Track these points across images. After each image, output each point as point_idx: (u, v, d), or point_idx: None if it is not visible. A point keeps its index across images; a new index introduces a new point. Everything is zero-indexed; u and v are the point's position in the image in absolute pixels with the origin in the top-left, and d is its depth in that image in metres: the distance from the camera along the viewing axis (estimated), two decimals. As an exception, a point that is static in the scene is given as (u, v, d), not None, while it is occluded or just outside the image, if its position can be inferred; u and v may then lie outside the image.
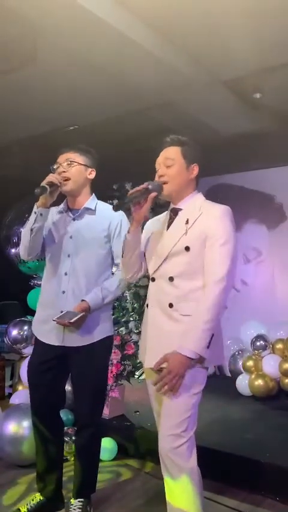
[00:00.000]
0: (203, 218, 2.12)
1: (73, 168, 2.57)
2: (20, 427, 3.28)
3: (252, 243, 5.88)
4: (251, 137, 5.12)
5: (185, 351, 1.98)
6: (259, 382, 4.56)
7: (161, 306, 2.14)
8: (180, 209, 2.21)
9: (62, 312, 2.52)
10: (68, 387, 2.74)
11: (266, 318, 5.18)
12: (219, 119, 4.87)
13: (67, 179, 2.56)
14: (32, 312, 3.77)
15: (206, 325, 1.99)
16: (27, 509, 2.61)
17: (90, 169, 2.63)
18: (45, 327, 2.60)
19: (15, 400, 3.83)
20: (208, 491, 2.60)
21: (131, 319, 5.67)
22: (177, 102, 4.50)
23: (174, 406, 2.03)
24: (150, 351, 2.14)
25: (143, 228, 2.32)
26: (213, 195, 6.11)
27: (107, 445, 3.41)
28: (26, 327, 3.97)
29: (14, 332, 3.98)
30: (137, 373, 5.40)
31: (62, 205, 2.69)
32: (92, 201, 2.67)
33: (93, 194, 2.70)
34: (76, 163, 2.58)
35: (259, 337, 4.84)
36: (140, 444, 3.56)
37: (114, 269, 2.71)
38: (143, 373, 5.47)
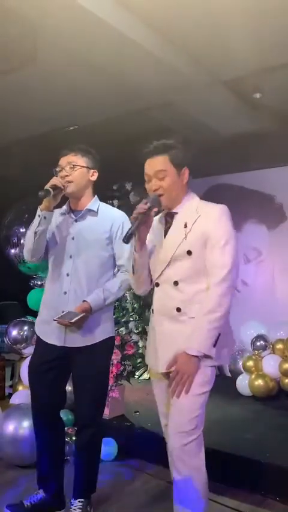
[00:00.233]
0: (202, 220, 2.12)
1: (76, 171, 2.57)
2: (20, 427, 3.28)
3: (252, 243, 5.87)
4: (251, 137, 5.13)
5: (191, 351, 2.03)
6: (259, 382, 4.56)
7: (168, 310, 2.15)
8: (176, 213, 2.20)
9: (63, 312, 2.52)
10: (68, 387, 2.73)
11: (266, 318, 5.18)
12: (219, 119, 4.87)
13: (70, 182, 2.56)
14: (32, 312, 3.77)
15: (211, 325, 2.02)
16: (30, 503, 2.62)
17: (92, 171, 2.63)
18: (48, 327, 2.61)
19: (15, 400, 3.83)
20: (208, 492, 2.60)
21: (131, 319, 5.69)
22: (177, 102, 4.50)
23: (185, 404, 2.05)
24: (162, 356, 2.15)
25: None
26: (213, 195, 6.14)
27: (107, 445, 3.41)
28: (26, 327, 3.96)
29: (14, 332, 3.97)
30: (137, 373, 5.42)
31: (64, 207, 2.69)
32: (94, 203, 2.67)
33: (96, 196, 2.71)
34: (79, 167, 2.58)
35: (259, 337, 4.84)
36: (140, 444, 3.56)
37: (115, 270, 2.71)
38: (143, 373, 5.50)
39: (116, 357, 3.76)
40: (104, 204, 2.73)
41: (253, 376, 4.63)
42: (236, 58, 3.70)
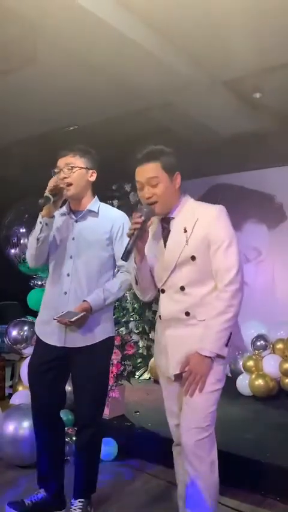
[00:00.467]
0: (201, 223, 2.11)
1: (74, 173, 2.56)
2: (20, 427, 3.28)
3: (252, 243, 5.87)
4: (251, 137, 5.13)
5: (204, 352, 2.05)
6: (259, 382, 4.56)
7: (176, 315, 2.15)
8: (173, 218, 2.18)
9: (62, 311, 2.52)
10: (68, 387, 2.73)
11: (266, 317, 5.18)
12: (219, 119, 4.87)
13: (69, 184, 2.55)
14: (32, 313, 3.77)
15: (223, 326, 2.05)
16: (31, 501, 2.62)
17: (91, 171, 2.62)
18: (48, 327, 2.61)
19: (15, 400, 3.82)
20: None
21: (131, 319, 5.70)
22: (177, 102, 4.50)
23: (199, 402, 2.08)
24: (173, 359, 2.16)
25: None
26: (213, 195, 6.15)
27: (108, 445, 3.40)
28: (26, 327, 3.96)
29: (14, 332, 3.97)
30: (137, 373, 5.42)
31: (64, 208, 2.68)
32: (94, 204, 2.66)
33: (96, 196, 2.70)
34: (77, 168, 2.56)
35: (259, 337, 4.84)
36: (141, 444, 3.56)
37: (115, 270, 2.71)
38: (143, 373, 5.50)
39: (116, 357, 3.76)
40: (104, 204, 2.73)
41: (253, 376, 4.63)
42: (236, 58, 3.70)
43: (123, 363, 3.86)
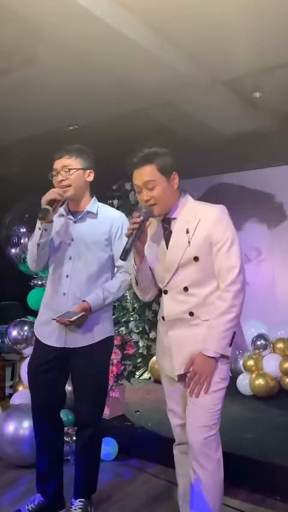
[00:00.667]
0: (203, 224, 2.11)
1: (72, 174, 2.55)
2: (20, 427, 3.28)
3: (253, 242, 5.87)
4: (251, 136, 5.13)
5: (208, 352, 2.06)
6: (260, 381, 4.56)
7: (179, 315, 2.15)
8: (174, 218, 2.18)
9: (62, 311, 2.52)
10: (68, 387, 2.73)
11: (266, 317, 5.18)
12: (219, 119, 4.87)
13: (67, 186, 2.54)
14: (32, 312, 3.77)
15: (226, 326, 2.05)
16: (28, 510, 2.61)
17: (88, 171, 2.61)
18: (47, 328, 2.60)
19: (15, 400, 3.82)
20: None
21: (131, 319, 5.69)
22: (177, 102, 4.50)
23: (206, 400, 2.09)
24: (177, 359, 2.16)
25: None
26: (214, 194, 6.15)
27: (108, 445, 3.41)
28: (26, 327, 3.96)
29: (14, 332, 3.97)
30: (137, 373, 5.42)
31: (62, 209, 2.67)
32: (93, 204, 2.66)
33: (94, 197, 2.69)
34: (74, 170, 2.55)
35: (259, 336, 4.84)
36: (141, 444, 3.56)
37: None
38: (143, 373, 5.50)
39: (116, 356, 3.76)
40: (103, 204, 2.72)
41: (254, 376, 4.63)
42: (236, 58, 3.70)
43: (123, 362, 3.86)
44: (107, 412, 3.64)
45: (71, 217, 2.64)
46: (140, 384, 5.06)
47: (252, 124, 4.96)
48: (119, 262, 2.62)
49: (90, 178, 2.63)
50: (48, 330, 2.60)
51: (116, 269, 2.68)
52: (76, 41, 3.40)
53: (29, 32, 3.32)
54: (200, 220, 2.12)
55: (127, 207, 5.23)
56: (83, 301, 2.53)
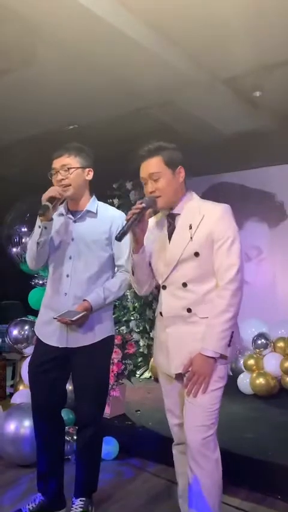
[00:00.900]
0: (206, 221, 2.12)
1: (71, 174, 2.55)
2: (21, 426, 3.29)
3: (253, 242, 5.88)
4: (251, 135, 5.12)
5: (207, 352, 2.06)
6: (260, 380, 4.56)
7: (177, 312, 2.16)
8: (178, 214, 2.20)
9: (63, 311, 2.52)
10: (68, 386, 2.74)
11: (267, 316, 5.18)
12: (219, 118, 4.87)
13: (67, 185, 2.55)
14: (33, 312, 3.77)
15: (225, 325, 2.05)
16: (29, 509, 2.62)
17: (87, 170, 2.61)
18: (48, 328, 2.61)
19: (16, 399, 3.83)
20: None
21: (132, 318, 5.70)
22: (177, 101, 4.50)
23: (204, 399, 2.09)
24: (175, 358, 2.17)
25: None
26: (214, 193, 6.16)
27: (108, 445, 3.41)
28: (26, 327, 3.96)
29: (15, 332, 3.97)
30: (138, 372, 5.42)
31: (61, 208, 2.67)
32: (93, 203, 2.66)
33: (94, 196, 2.69)
34: (73, 169, 2.55)
35: (260, 335, 4.83)
36: (141, 443, 3.56)
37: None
38: (144, 372, 5.51)
39: (116, 356, 3.76)
40: (103, 203, 2.72)
41: (254, 375, 4.63)
42: (236, 56, 3.69)
43: (124, 362, 3.86)
44: (107, 412, 3.64)
45: (70, 216, 2.64)
46: (141, 383, 5.07)
47: (253, 123, 4.95)
48: (119, 262, 2.63)
49: (90, 176, 2.63)
50: (49, 330, 2.60)
51: (116, 268, 2.68)
52: (76, 41, 3.40)
53: (29, 32, 3.31)
54: (203, 217, 2.13)
55: (127, 206, 5.22)
56: (84, 300, 2.53)
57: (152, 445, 3.43)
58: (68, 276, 2.58)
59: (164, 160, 2.15)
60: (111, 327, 2.71)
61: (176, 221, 2.20)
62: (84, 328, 2.55)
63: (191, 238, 2.12)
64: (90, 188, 2.68)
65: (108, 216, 2.64)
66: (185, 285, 2.14)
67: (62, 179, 2.54)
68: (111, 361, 3.44)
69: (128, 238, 2.22)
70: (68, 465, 2.82)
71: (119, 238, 2.12)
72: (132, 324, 5.66)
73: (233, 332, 2.07)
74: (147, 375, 5.49)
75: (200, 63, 3.88)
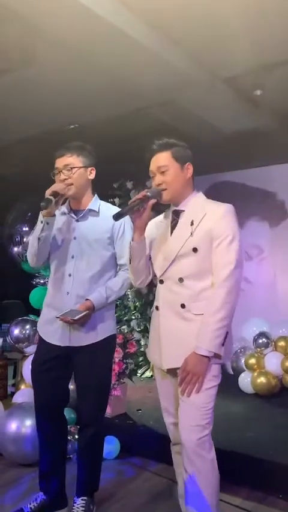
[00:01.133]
0: (208, 218, 2.14)
1: (74, 173, 2.55)
2: (22, 425, 3.29)
3: (254, 241, 5.87)
4: (252, 134, 5.12)
5: (201, 351, 2.06)
6: (261, 379, 4.56)
7: (172, 307, 2.17)
8: (183, 210, 2.23)
9: (65, 310, 2.53)
10: (71, 386, 2.74)
11: (268, 315, 5.18)
12: (220, 117, 4.87)
13: (70, 185, 2.55)
14: (34, 311, 3.78)
15: (219, 324, 2.05)
16: (30, 508, 2.62)
17: (90, 169, 2.62)
18: (51, 327, 2.61)
19: (17, 399, 3.84)
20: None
21: (133, 317, 5.71)
22: (178, 100, 4.50)
23: (197, 400, 2.08)
24: (167, 353, 2.17)
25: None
26: (216, 192, 6.12)
27: (110, 444, 3.42)
28: (28, 326, 3.97)
29: (16, 331, 3.98)
30: (139, 372, 5.43)
31: (64, 207, 2.68)
32: (95, 202, 2.66)
33: (96, 195, 2.70)
34: (76, 168, 2.56)
35: (261, 334, 4.83)
36: (143, 442, 3.56)
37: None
38: (145, 371, 5.51)
39: (118, 355, 3.77)
40: (104, 202, 2.72)
41: (255, 374, 4.63)
42: (236, 56, 3.69)
43: (125, 361, 3.87)
44: (108, 411, 3.64)
45: (73, 215, 2.65)
46: (142, 382, 5.07)
47: (253, 122, 4.95)
48: (121, 261, 2.63)
49: (92, 175, 2.64)
50: (51, 329, 2.61)
51: (118, 267, 2.69)
52: (76, 41, 3.40)
53: (29, 32, 3.32)
54: (205, 214, 2.16)
55: (128, 205, 5.23)
56: (86, 299, 2.54)
57: (153, 444, 3.43)
58: (70, 275, 2.58)
59: (172, 155, 2.20)
60: (114, 326, 2.71)
61: (180, 217, 2.23)
62: (87, 327, 2.56)
63: (191, 234, 2.14)
64: (92, 187, 2.69)
65: (110, 215, 2.63)
66: (181, 280, 2.15)
67: (65, 179, 2.55)
68: (113, 361, 3.45)
69: (130, 236, 2.23)
70: (69, 464, 2.83)
71: (116, 217, 2.18)
72: (133, 323, 5.67)
73: (227, 332, 2.07)
74: (148, 374, 5.50)
75: (201, 62, 3.88)
